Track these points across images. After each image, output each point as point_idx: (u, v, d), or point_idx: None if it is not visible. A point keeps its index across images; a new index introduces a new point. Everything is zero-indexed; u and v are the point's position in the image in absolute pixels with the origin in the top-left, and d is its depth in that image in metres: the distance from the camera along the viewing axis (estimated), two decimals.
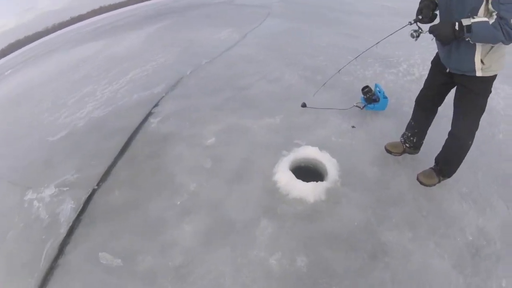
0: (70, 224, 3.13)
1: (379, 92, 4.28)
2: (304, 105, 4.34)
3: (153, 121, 4.55)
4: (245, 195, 3.23)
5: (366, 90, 4.29)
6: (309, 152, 3.46)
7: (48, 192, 3.55)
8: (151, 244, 2.88)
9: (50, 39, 13.76)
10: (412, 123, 3.34)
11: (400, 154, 3.52)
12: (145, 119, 4.62)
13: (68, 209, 3.30)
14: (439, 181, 3.10)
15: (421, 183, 3.15)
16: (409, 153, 3.52)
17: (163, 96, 5.19)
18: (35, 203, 3.44)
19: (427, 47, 6.42)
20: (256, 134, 3.95)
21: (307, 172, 3.43)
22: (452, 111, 2.81)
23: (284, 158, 3.44)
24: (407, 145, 3.44)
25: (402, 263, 2.62)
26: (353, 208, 3.06)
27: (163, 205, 3.21)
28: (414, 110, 3.33)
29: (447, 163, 3.02)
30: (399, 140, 3.54)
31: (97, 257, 2.80)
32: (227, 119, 4.30)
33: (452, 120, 2.84)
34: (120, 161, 3.86)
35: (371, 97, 4.26)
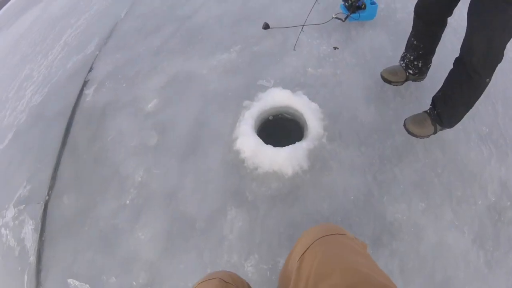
0: (36, 249, 2.25)
1: None
2: (266, 26, 3.00)
3: (88, 93, 3.19)
4: (203, 177, 2.19)
5: None
6: (278, 99, 2.30)
7: (10, 214, 2.53)
8: (112, 261, 2.04)
9: None
10: (414, 41, 2.15)
11: (402, 82, 2.39)
12: (81, 93, 3.26)
13: (29, 232, 2.36)
14: (436, 132, 2.05)
15: (409, 132, 2.09)
16: (413, 81, 2.40)
17: (97, 55, 3.71)
18: (3, 230, 2.47)
19: None
20: (208, 81, 2.72)
21: (282, 128, 2.33)
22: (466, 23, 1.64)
23: (246, 112, 2.30)
24: (410, 71, 2.30)
25: (413, 247, 1.80)
26: (346, 175, 2.06)
27: (112, 208, 2.21)
28: (414, 24, 2.12)
29: (450, 107, 1.91)
30: (398, 63, 2.38)
31: (67, 284, 2.05)
32: (169, 66, 3.00)
33: (464, 39, 1.67)
34: (63, 157, 2.73)
35: (354, 3, 2.91)
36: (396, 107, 2.35)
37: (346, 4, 2.95)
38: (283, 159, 2.01)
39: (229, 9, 3.43)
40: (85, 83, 3.34)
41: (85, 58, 3.78)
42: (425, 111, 2.05)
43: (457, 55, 1.76)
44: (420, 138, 2.07)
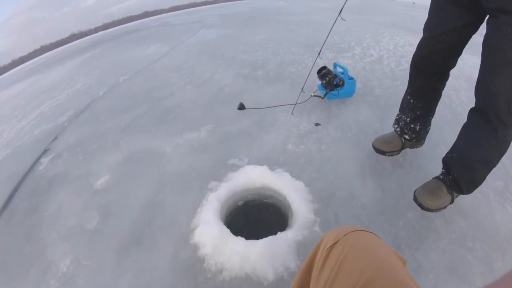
0: None
1: (342, 74, 2.69)
2: (241, 107, 2.64)
3: (43, 161, 2.82)
4: (144, 279, 1.45)
5: (323, 72, 2.71)
6: (253, 177, 1.72)
7: None
8: None
9: None
10: (411, 100, 1.74)
11: (398, 151, 1.91)
12: (37, 160, 2.89)
13: None
14: (453, 201, 1.51)
15: (422, 207, 1.53)
16: (410, 148, 1.93)
17: (66, 126, 3.43)
18: None
19: (376, 31, 5.23)
20: (170, 160, 2.19)
21: (258, 218, 1.71)
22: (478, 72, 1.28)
23: (210, 195, 1.68)
24: (407, 136, 1.83)
25: None
26: None
27: None
28: (411, 79, 1.74)
29: (469, 169, 1.41)
30: (392, 130, 1.94)
31: None
32: (131, 143, 2.53)
33: (480, 84, 1.28)
34: None
35: (331, 80, 2.66)
36: (398, 178, 1.82)
37: (323, 82, 2.70)
38: (259, 256, 1.33)
39: (205, 93, 3.16)
40: (44, 152, 3.00)
41: (54, 128, 3.56)
42: (437, 178, 1.55)
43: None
44: (437, 211, 1.53)
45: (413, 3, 11.10)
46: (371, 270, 0.60)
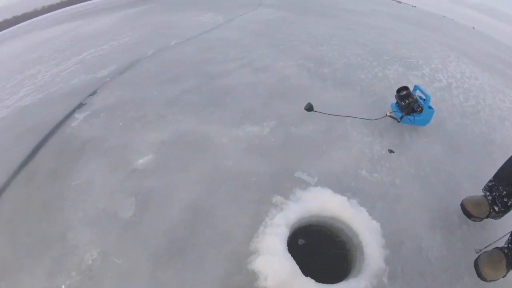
0: None
1: (423, 100, 2.40)
2: (310, 108, 2.37)
3: (78, 117, 2.48)
4: None
5: (404, 93, 2.39)
6: (329, 205, 1.49)
7: None
8: None
9: (34, 21, 11.41)
10: None
11: (482, 219, 1.73)
12: (70, 114, 2.55)
13: None
14: (506, 275, 1.48)
15: (480, 276, 1.50)
16: (493, 218, 1.74)
17: (107, 82, 3.15)
18: None
19: (442, 53, 4.84)
20: (227, 155, 1.95)
21: (318, 246, 1.50)
22: None
23: (277, 215, 1.46)
24: (496, 208, 1.68)
25: None
26: None
27: (40, 287, 1.32)
28: None
29: None
30: (482, 194, 1.76)
31: None
32: (180, 121, 2.28)
33: None
34: (14, 182, 1.84)
35: (411, 104, 2.36)
36: (463, 236, 1.69)
37: (402, 103, 2.39)
38: None
39: (266, 80, 2.88)
40: (79, 106, 2.65)
41: (94, 81, 3.22)
42: (501, 249, 1.50)
43: None
44: (490, 281, 1.50)
45: (472, 27, 10.37)
46: None
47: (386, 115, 2.38)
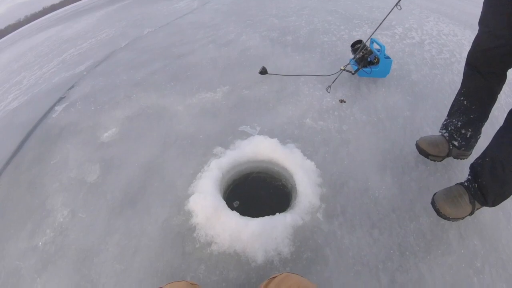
0: None
1: (379, 51, 2.41)
2: (263, 71, 2.43)
3: (57, 109, 2.77)
4: (132, 242, 1.39)
5: (358, 46, 2.41)
6: (261, 149, 1.57)
7: None
8: None
9: (18, 31, 11.70)
10: (465, 101, 1.50)
11: (442, 158, 1.66)
12: (52, 107, 2.83)
13: None
14: (473, 212, 1.37)
15: (439, 213, 1.40)
16: (455, 157, 1.67)
17: (84, 75, 3.34)
18: None
19: (421, 14, 4.75)
20: (180, 120, 2.06)
21: (260, 192, 1.57)
22: None
23: (213, 162, 1.55)
24: (455, 142, 1.59)
25: None
26: (349, 275, 1.26)
27: (22, 247, 1.55)
28: (466, 79, 1.50)
29: (501, 180, 1.24)
30: (438, 133, 1.69)
31: None
32: (143, 98, 2.42)
33: None
34: (5, 172, 2.15)
35: (366, 57, 2.38)
36: (420, 177, 1.62)
37: (357, 56, 2.42)
38: (252, 236, 1.21)
39: (227, 54, 2.95)
40: (59, 100, 2.94)
41: (72, 77, 3.49)
42: (461, 184, 1.40)
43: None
44: (453, 221, 1.40)
45: None
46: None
47: (341, 69, 2.41)
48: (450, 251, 1.34)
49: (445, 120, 1.66)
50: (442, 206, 1.37)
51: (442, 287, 1.24)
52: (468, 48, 1.46)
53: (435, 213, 1.42)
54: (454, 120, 1.58)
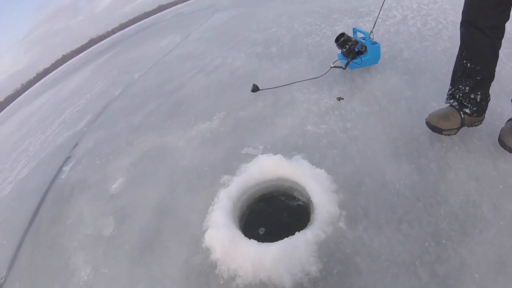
0: None
1: (364, 39, 2.36)
2: (255, 89, 2.42)
3: (65, 169, 2.83)
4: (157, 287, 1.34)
5: (342, 39, 2.37)
6: (266, 168, 1.51)
7: None
8: None
9: (17, 101, 12.26)
10: (468, 64, 1.42)
11: (457, 130, 1.54)
12: (60, 169, 2.88)
13: None
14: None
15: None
16: (469, 125, 1.54)
17: (85, 132, 3.43)
18: None
19: None
20: (183, 155, 2.05)
21: (277, 214, 1.52)
22: None
23: (221, 192, 1.50)
24: (467, 110, 1.47)
25: None
26: (387, 278, 1.16)
27: None
28: (465, 37, 1.42)
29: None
30: (446, 105, 1.58)
31: None
32: (144, 142, 2.44)
33: None
34: (27, 236, 2.25)
35: (353, 48, 2.34)
36: (438, 156, 1.51)
37: (343, 50, 2.38)
38: (274, 261, 1.15)
39: (217, 79, 2.96)
40: (66, 160, 3.03)
41: (74, 135, 3.59)
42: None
43: None
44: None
45: None
46: None
47: (331, 67, 2.37)
48: (487, 227, 1.23)
49: (449, 90, 1.56)
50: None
51: (487, 266, 1.13)
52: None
53: (463, 192, 1.33)
54: (460, 86, 1.48)
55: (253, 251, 1.17)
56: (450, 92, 1.54)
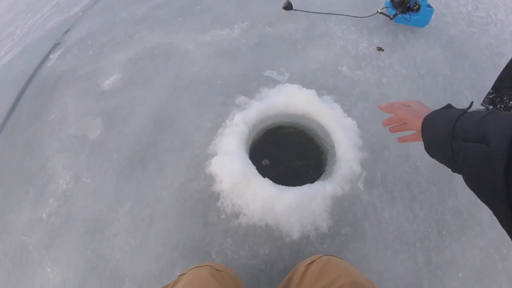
0: None
1: None
2: (288, 6, 2.01)
3: (52, 57, 2.30)
4: (146, 211, 1.17)
5: None
6: (295, 101, 1.27)
7: None
8: None
9: None
10: None
11: None
12: (46, 56, 2.36)
13: None
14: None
15: None
16: None
17: (80, 17, 2.80)
18: None
19: None
20: (192, 61, 1.70)
21: (288, 149, 1.32)
22: None
23: (237, 114, 1.27)
24: None
25: None
26: (388, 253, 1.14)
27: (27, 220, 1.33)
28: None
29: None
30: (482, 108, 1.53)
31: None
32: (147, 37, 2.00)
33: None
34: (3, 133, 1.82)
35: (407, 1, 1.97)
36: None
37: (396, 0, 2.01)
38: (289, 208, 0.99)
39: None
40: (54, 46, 2.45)
41: (66, 20, 2.90)
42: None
43: None
44: None
45: None
46: (346, 276, 0.66)
47: (377, 11, 2.01)
48: (482, 234, 1.27)
49: (490, 93, 1.49)
50: None
51: (471, 270, 1.18)
52: (502, 9, 1.16)
53: (470, 190, 1.31)
54: (505, 98, 1.42)
55: (266, 192, 1.00)
56: (492, 97, 1.47)
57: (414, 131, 0.72)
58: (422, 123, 0.65)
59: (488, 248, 1.24)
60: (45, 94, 1.93)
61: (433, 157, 0.65)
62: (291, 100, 1.23)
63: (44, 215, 1.30)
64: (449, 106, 0.65)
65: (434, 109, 0.67)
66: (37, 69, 2.24)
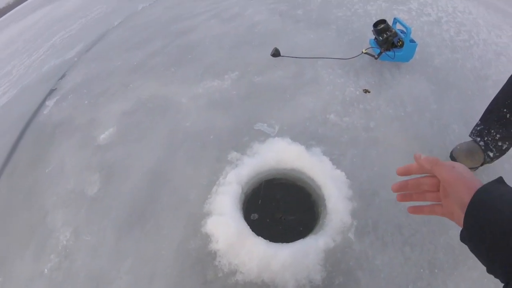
0: None
1: (403, 33, 2.14)
2: (276, 53, 2.15)
3: (48, 104, 2.41)
4: (146, 269, 1.22)
5: (382, 27, 2.12)
6: (283, 156, 1.35)
7: None
8: None
9: (8, 16, 10.78)
10: (507, 114, 1.35)
11: (476, 169, 1.53)
12: (42, 102, 2.49)
13: None
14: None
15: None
16: (485, 163, 1.54)
17: (75, 62, 2.96)
18: None
19: None
20: (186, 115, 1.80)
21: (280, 198, 1.39)
22: None
23: (230, 172, 1.35)
24: (491, 154, 1.46)
25: None
26: None
27: (29, 271, 1.35)
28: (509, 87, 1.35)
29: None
30: (471, 139, 1.53)
31: None
32: (142, 88, 2.12)
33: None
34: (0, 180, 1.85)
35: (390, 39, 2.11)
36: None
37: (380, 38, 2.14)
38: (284, 265, 1.05)
39: (232, 31, 2.61)
40: (50, 92, 2.54)
41: (62, 64, 3.03)
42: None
43: None
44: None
45: None
46: None
47: (362, 52, 2.14)
48: (475, 266, 1.28)
49: (478, 125, 1.51)
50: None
51: None
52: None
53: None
54: (492, 131, 1.44)
55: (262, 251, 1.06)
56: (479, 129, 1.49)
57: (438, 202, 0.59)
58: (472, 199, 0.48)
59: (482, 279, 1.25)
60: (42, 142, 2.00)
61: (469, 246, 0.53)
62: (281, 156, 1.31)
63: (46, 270, 1.33)
64: (501, 180, 0.51)
65: (478, 178, 0.54)
66: (34, 115, 2.31)
